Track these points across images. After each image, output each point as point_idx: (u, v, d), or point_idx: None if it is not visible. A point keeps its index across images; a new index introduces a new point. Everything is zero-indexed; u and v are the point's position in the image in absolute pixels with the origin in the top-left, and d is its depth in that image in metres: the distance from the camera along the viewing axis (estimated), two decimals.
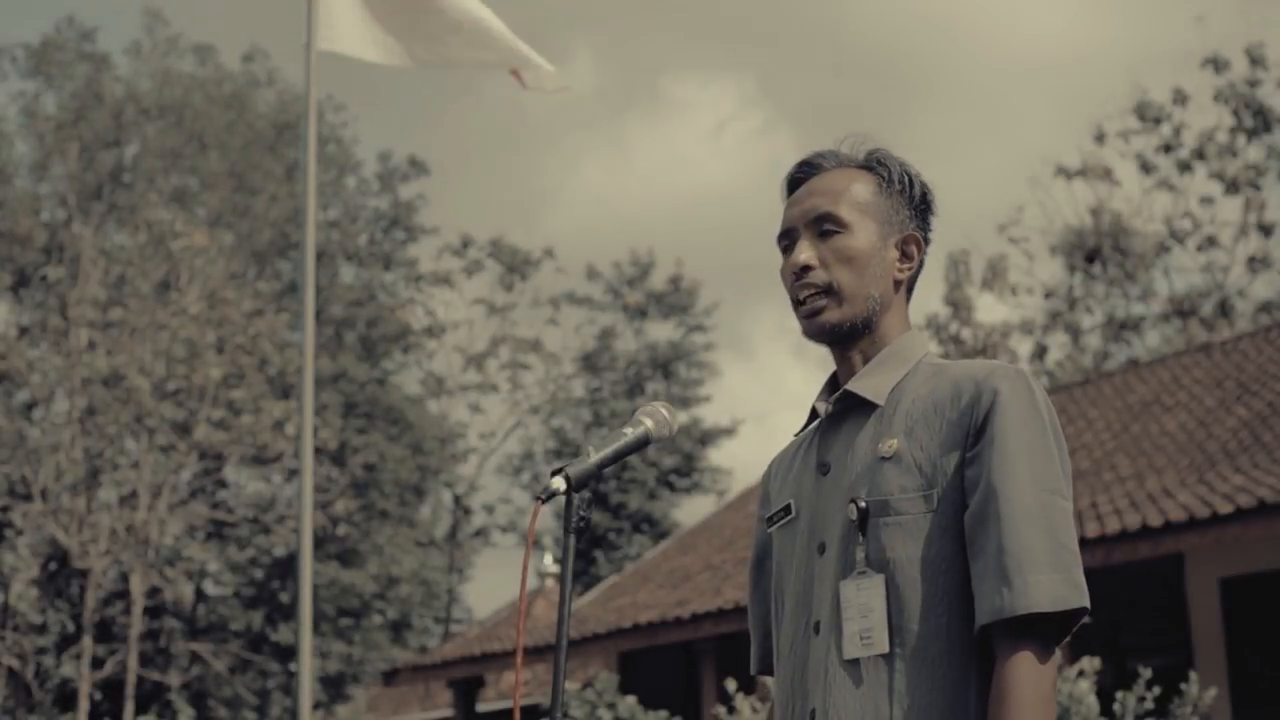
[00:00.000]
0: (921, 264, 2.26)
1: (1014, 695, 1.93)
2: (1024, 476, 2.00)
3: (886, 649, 2.02)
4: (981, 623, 1.97)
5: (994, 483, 2.00)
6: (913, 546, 2.04)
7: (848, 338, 2.19)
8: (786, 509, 2.23)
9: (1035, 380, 2.10)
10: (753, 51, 52.43)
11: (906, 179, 2.24)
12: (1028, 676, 1.94)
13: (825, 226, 2.18)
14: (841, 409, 2.19)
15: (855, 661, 2.04)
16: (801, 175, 2.27)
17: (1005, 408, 2.04)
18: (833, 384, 2.24)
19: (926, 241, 2.26)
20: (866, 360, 2.20)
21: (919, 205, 2.25)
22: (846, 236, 2.17)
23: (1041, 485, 2.01)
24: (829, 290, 2.16)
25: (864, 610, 2.04)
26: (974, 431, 2.05)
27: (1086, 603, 1.98)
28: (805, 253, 2.17)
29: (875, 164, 2.24)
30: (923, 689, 2.00)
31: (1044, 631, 1.97)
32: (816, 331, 2.18)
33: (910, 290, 2.26)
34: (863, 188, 2.22)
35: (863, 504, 2.08)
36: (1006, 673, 1.94)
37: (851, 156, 2.26)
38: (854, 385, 2.17)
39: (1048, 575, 1.96)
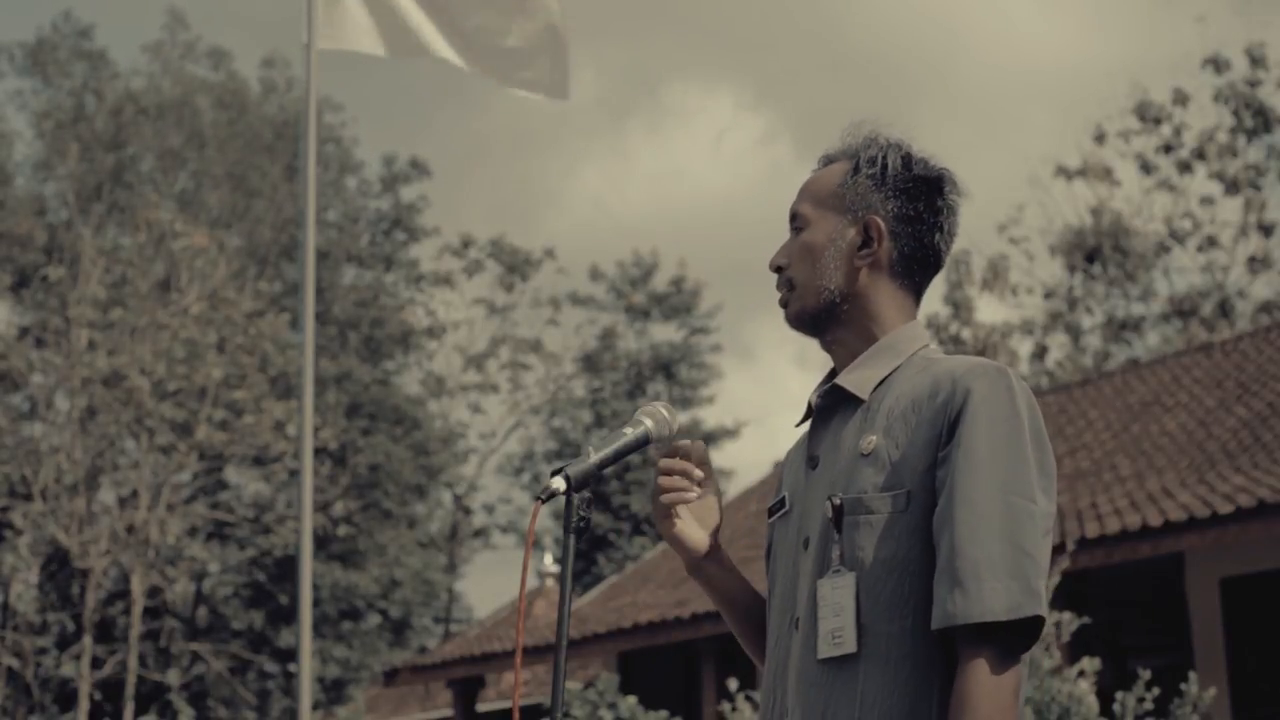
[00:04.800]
0: (916, 243, 2.18)
1: (971, 706, 1.89)
2: (988, 479, 1.96)
3: (854, 649, 2.00)
4: (934, 628, 1.95)
5: (957, 484, 1.97)
6: (883, 546, 2.02)
7: (815, 328, 2.22)
8: (782, 502, 2.24)
9: (1017, 379, 2.06)
10: (752, 58, 52.47)
11: (881, 159, 2.20)
12: (984, 687, 1.90)
13: (794, 225, 2.25)
14: (831, 402, 2.19)
15: (826, 661, 2.03)
16: None
17: (978, 408, 2.00)
18: (829, 376, 2.25)
19: (917, 220, 2.18)
20: (854, 353, 2.19)
21: (899, 185, 2.19)
22: (806, 232, 2.22)
23: (1007, 488, 1.96)
24: (791, 285, 2.22)
25: (836, 609, 2.02)
26: (946, 431, 2.02)
27: (1042, 611, 1.93)
28: (778, 253, 2.25)
29: (853, 149, 2.24)
30: (886, 691, 1.98)
31: (1002, 639, 1.93)
32: (789, 324, 2.24)
33: (906, 275, 2.20)
34: (831, 179, 2.23)
35: (838, 501, 2.06)
36: (963, 682, 1.91)
37: (849, 145, 2.26)
38: (842, 379, 2.17)
39: (1004, 582, 1.92)
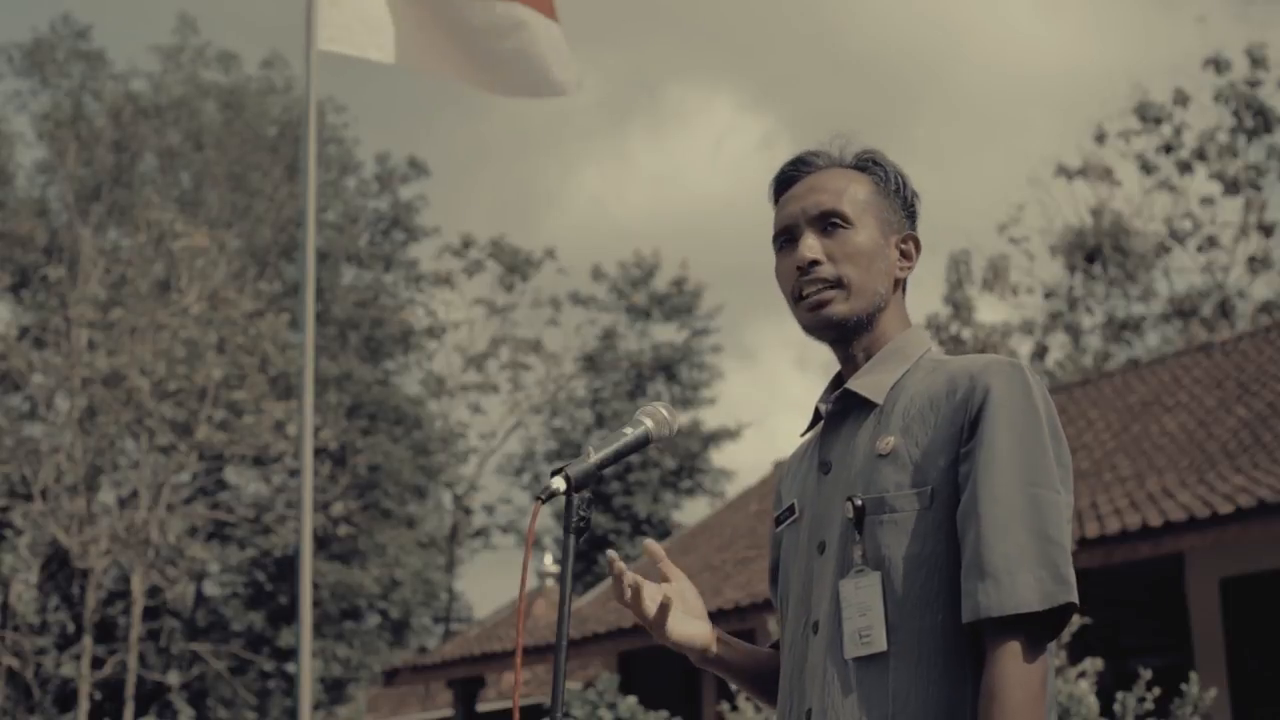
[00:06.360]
0: (915, 261, 2.30)
1: (1002, 696, 1.91)
2: (1011, 472, 1.99)
3: (884, 647, 2.01)
4: (965, 620, 1.96)
5: (980, 479, 1.99)
6: (908, 544, 2.04)
7: (851, 333, 2.19)
8: (791, 509, 2.25)
9: (1033, 373, 2.09)
10: (752, 61, 52.44)
11: (901, 181, 2.26)
12: (1016, 676, 1.92)
13: (830, 222, 2.19)
14: (842, 408, 2.20)
15: (853, 661, 2.04)
16: (795, 174, 2.26)
17: (997, 403, 2.03)
18: (836, 383, 2.25)
19: (917, 241, 2.29)
20: (868, 358, 2.20)
21: (911, 208, 2.28)
22: (852, 233, 2.18)
23: (1030, 480, 1.99)
24: (838, 284, 2.16)
25: (862, 609, 2.04)
26: (967, 427, 2.04)
27: (1074, 598, 1.96)
28: (813, 248, 2.17)
29: (870, 165, 2.25)
30: (919, 686, 1.99)
31: (1032, 629, 1.95)
32: (823, 325, 2.17)
33: (905, 290, 2.29)
34: (861, 187, 2.22)
35: (859, 502, 2.07)
36: (994, 672, 1.93)
37: (843, 157, 2.26)
38: (854, 384, 2.17)
39: (1034, 572, 1.94)
